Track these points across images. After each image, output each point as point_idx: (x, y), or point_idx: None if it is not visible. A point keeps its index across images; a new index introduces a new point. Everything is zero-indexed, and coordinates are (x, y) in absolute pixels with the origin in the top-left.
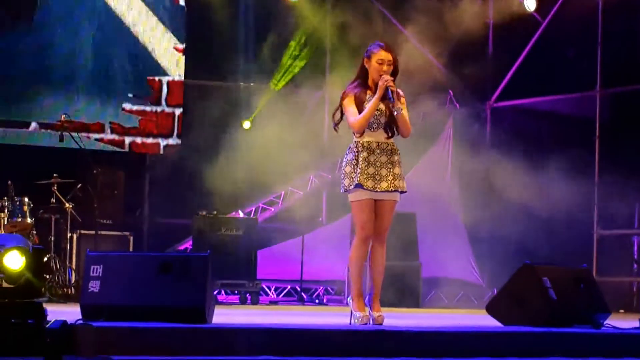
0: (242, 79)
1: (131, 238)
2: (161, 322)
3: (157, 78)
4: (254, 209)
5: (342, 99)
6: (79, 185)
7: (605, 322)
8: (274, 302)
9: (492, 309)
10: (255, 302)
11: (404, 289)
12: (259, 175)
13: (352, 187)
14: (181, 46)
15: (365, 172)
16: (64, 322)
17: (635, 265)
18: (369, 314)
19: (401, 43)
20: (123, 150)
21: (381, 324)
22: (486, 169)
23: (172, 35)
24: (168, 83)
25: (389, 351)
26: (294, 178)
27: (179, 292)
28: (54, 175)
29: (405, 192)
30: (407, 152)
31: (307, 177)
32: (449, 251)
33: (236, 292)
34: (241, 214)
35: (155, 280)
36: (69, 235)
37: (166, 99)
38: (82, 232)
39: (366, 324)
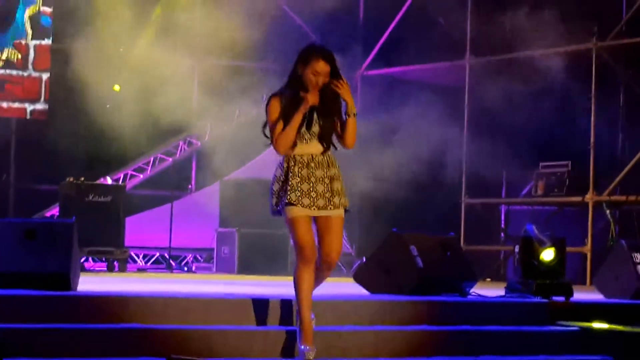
0: (111, 42)
1: None
2: (25, 289)
3: (23, 41)
4: (122, 175)
5: (266, 107)
6: None
7: (471, 290)
8: (142, 270)
9: (359, 277)
10: (123, 269)
11: (274, 257)
12: (127, 141)
13: (282, 206)
14: (49, 9)
15: (299, 188)
16: None
17: (502, 234)
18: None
19: (272, 11)
20: None
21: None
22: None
23: None
24: (35, 47)
25: (257, 319)
26: (163, 144)
27: (44, 259)
28: None
29: (349, 210)
30: None
31: (177, 144)
32: None
33: (104, 259)
34: (109, 180)
35: (19, 247)
36: None
37: (33, 63)
38: None
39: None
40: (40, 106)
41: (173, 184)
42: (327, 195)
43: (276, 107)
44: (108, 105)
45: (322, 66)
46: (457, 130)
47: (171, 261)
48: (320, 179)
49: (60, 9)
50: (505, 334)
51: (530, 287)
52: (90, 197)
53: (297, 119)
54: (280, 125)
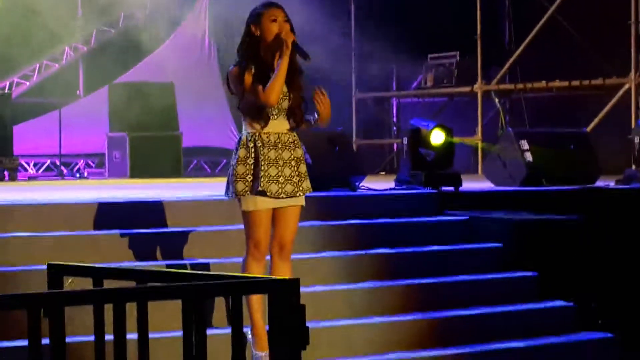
0: None
1: None
2: None
3: None
4: (7, 83)
5: (232, 78)
6: None
7: (361, 184)
8: (33, 178)
9: None
10: (13, 178)
11: (166, 160)
12: (11, 48)
13: (249, 193)
14: None
15: (267, 173)
16: None
17: (394, 128)
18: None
19: None
20: None
21: None
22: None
23: None
24: None
25: (147, 222)
26: (48, 50)
27: None
28: None
29: (311, 191)
30: (163, 22)
31: (62, 49)
32: (209, 120)
33: None
34: None
35: None
36: None
37: None
38: None
39: None
40: None
41: (61, 90)
42: (295, 180)
43: (247, 73)
44: None
45: (276, 11)
46: (345, 25)
47: (62, 168)
48: (288, 162)
49: None
50: (396, 226)
51: (419, 178)
52: None
53: (284, 63)
54: (259, 87)
